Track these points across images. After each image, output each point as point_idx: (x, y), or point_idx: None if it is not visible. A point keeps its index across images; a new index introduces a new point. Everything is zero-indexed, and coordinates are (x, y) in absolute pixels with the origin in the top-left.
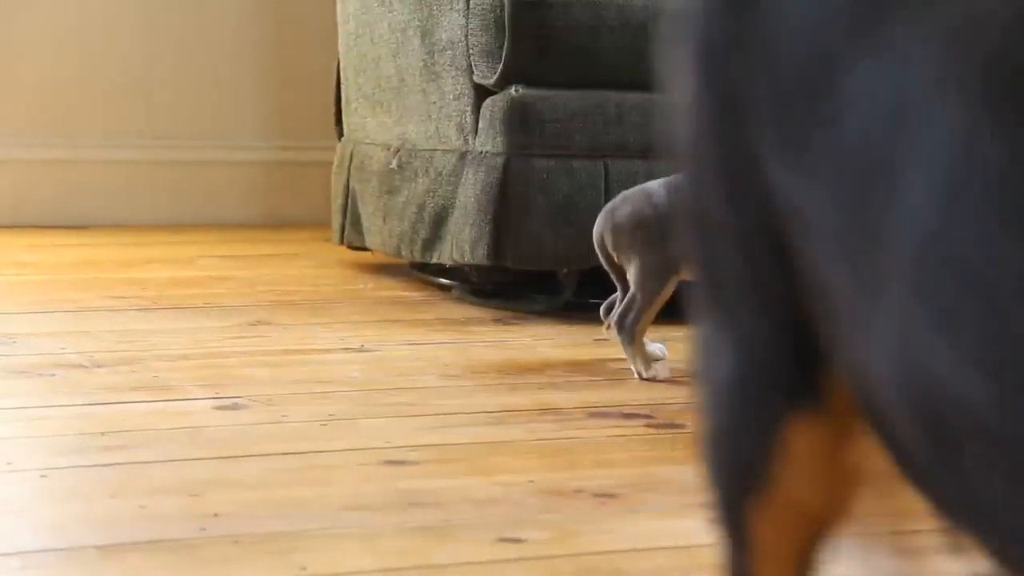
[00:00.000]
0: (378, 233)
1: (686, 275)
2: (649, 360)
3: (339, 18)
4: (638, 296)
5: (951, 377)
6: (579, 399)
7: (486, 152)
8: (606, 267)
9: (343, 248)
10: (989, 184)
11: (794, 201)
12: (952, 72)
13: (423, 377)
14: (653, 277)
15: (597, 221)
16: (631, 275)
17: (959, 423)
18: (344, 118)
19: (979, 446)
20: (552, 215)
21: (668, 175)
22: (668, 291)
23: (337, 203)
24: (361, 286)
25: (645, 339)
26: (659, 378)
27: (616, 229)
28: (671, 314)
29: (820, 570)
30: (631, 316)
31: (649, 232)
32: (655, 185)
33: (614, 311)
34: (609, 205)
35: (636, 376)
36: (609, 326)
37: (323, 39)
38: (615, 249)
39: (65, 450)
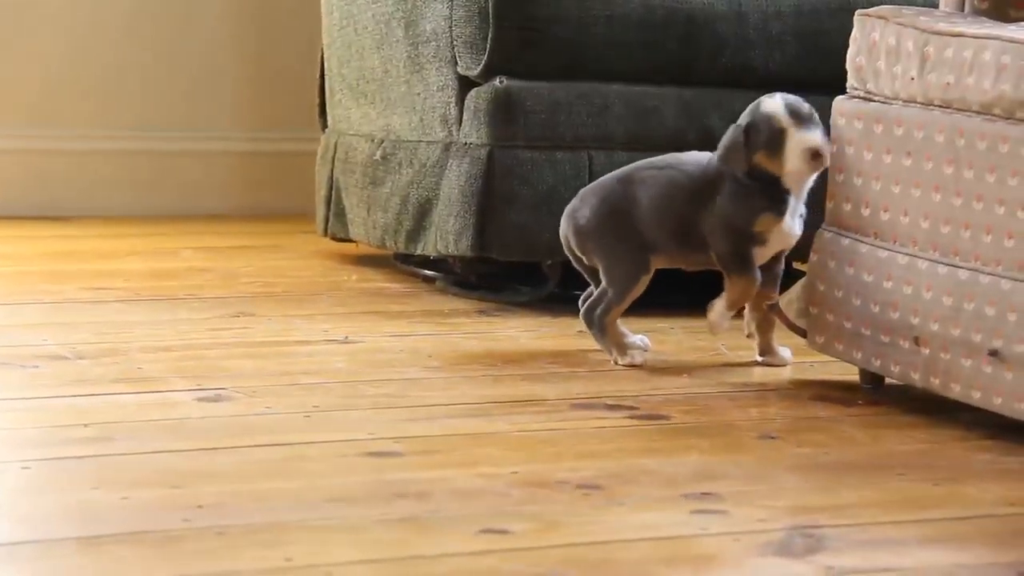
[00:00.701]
0: (362, 224)
1: (659, 265)
2: (624, 347)
3: (323, 8)
4: (610, 292)
5: None
6: (562, 390)
7: (470, 143)
8: (576, 266)
9: (326, 239)
10: None
11: None
12: None
13: (407, 369)
14: (621, 275)
15: (561, 223)
16: (601, 273)
17: None
18: (328, 109)
19: None
20: (536, 206)
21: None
22: (641, 285)
23: (321, 194)
24: (344, 278)
25: (625, 330)
26: (636, 362)
27: (578, 232)
28: (654, 305)
29: None
30: (600, 308)
31: (609, 231)
32: (611, 180)
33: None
34: (569, 207)
35: (613, 363)
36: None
37: (306, 30)
38: (581, 251)
39: (47, 442)
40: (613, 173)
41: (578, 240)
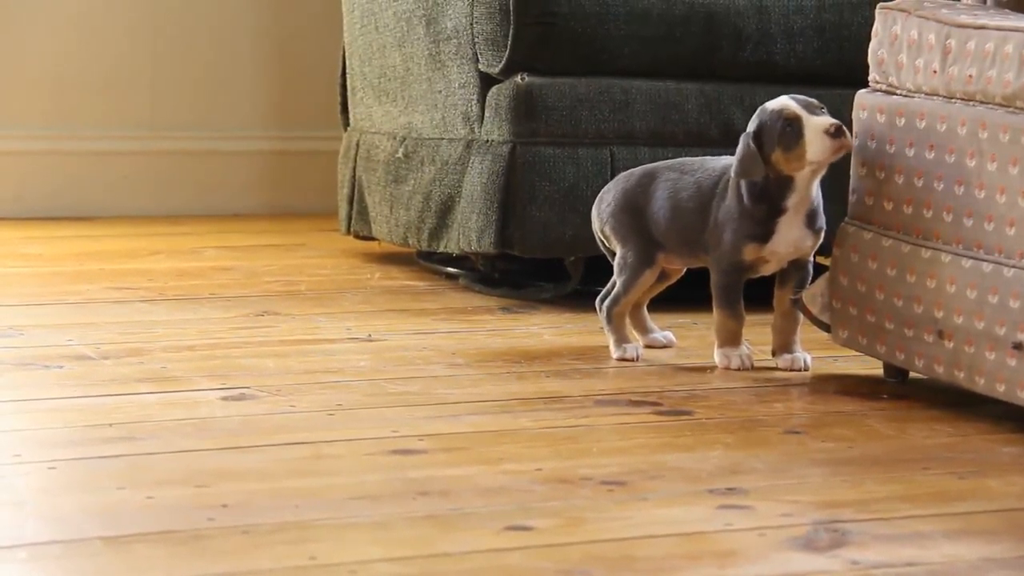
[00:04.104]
0: (384, 222)
1: (667, 264)
2: (623, 341)
3: (344, 6)
4: (618, 282)
5: None
6: (586, 387)
7: (492, 140)
8: (602, 249)
9: (348, 238)
10: None
11: None
12: None
13: (430, 366)
14: (628, 265)
15: (593, 208)
16: (615, 261)
17: None
18: (350, 107)
19: None
20: (558, 203)
21: (663, 162)
22: (646, 279)
23: (343, 192)
24: (367, 276)
25: (652, 325)
26: (627, 357)
27: (600, 215)
28: (677, 300)
29: None
30: (610, 298)
31: (624, 222)
32: (639, 172)
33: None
34: (604, 188)
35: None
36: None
37: (327, 27)
38: (602, 235)
39: (72, 442)
40: (649, 165)
41: (600, 223)
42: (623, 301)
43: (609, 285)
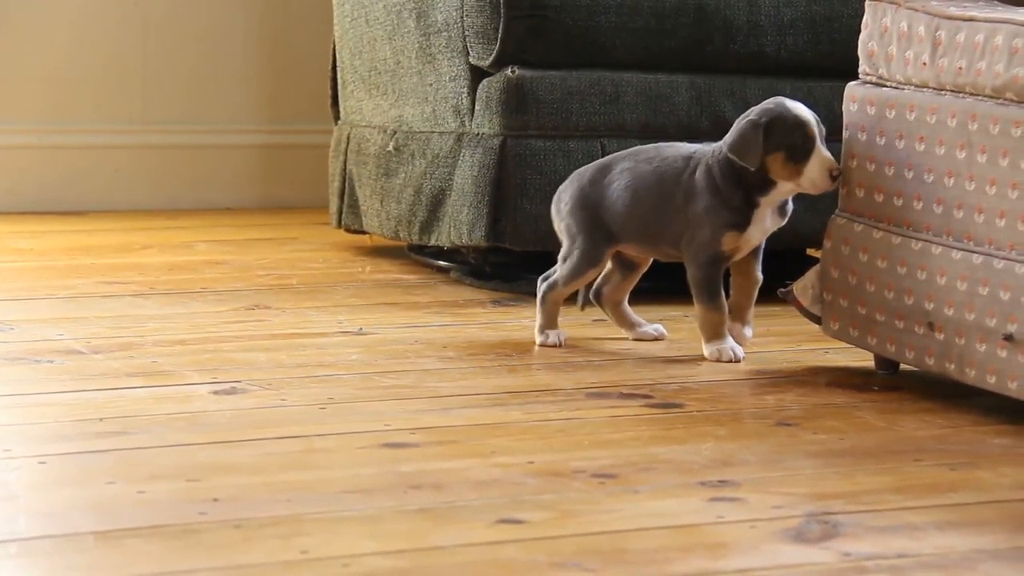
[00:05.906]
0: (375, 216)
1: (628, 252)
2: (547, 327)
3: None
4: (559, 272)
5: None
6: (577, 379)
7: (483, 133)
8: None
9: (340, 231)
10: None
11: None
12: None
13: (422, 360)
14: (573, 262)
15: (552, 207)
16: (561, 251)
17: None
18: (340, 101)
19: None
20: (549, 196)
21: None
22: (588, 277)
23: (334, 186)
24: (359, 269)
25: (640, 319)
26: (548, 343)
27: (558, 213)
28: (667, 293)
29: None
30: (548, 283)
31: (578, 219)
32: (592, 167)
33: (592, 289)
34: (558, 191)
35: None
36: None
37: (318, 21)
38: (559, 231)
39: (63, 436)
40: (603, 159)
41: (557, 221)
42: (560, 290)
43: (551, 269)
